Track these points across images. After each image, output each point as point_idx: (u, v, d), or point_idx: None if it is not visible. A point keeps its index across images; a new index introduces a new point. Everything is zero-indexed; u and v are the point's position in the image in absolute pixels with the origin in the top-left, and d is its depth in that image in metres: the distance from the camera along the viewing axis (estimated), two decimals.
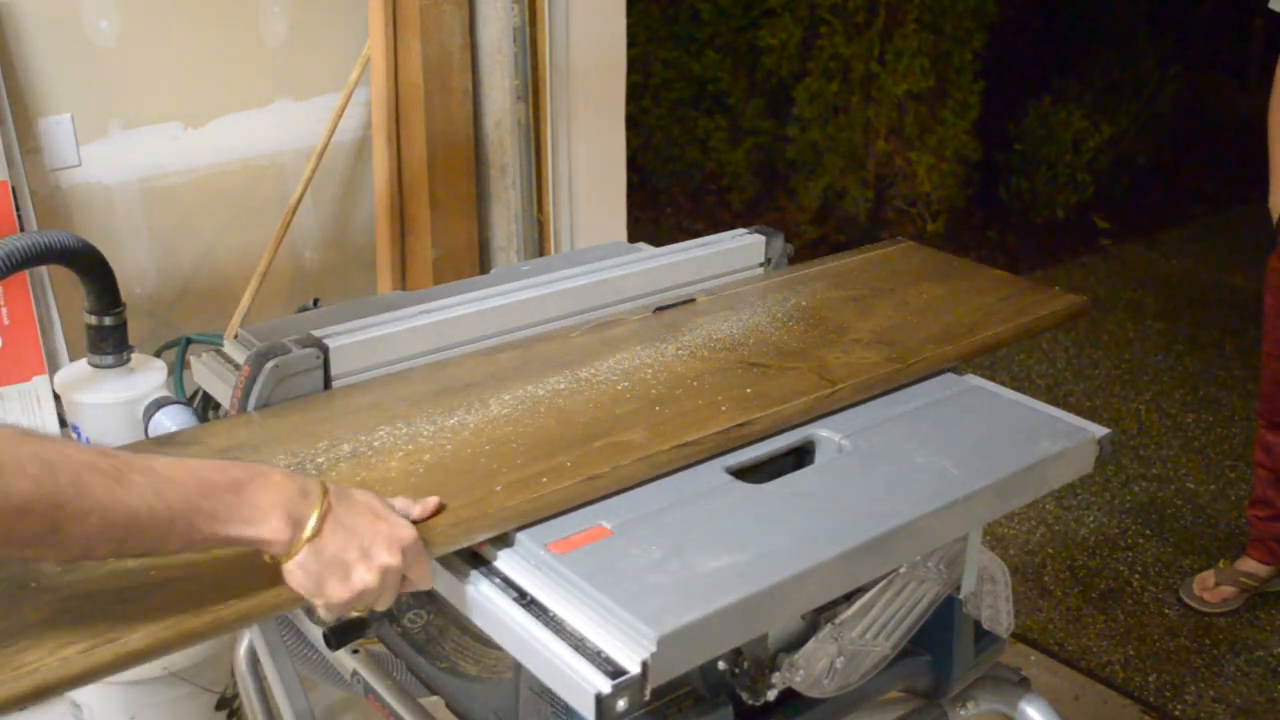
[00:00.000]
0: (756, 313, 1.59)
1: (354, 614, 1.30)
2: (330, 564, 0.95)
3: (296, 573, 0.95)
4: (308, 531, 0.94)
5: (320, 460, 1.19)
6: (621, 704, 0.92)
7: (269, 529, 0.93)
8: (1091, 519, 3.31)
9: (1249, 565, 2.86)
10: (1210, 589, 2.88)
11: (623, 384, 1.37)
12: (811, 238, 5.31)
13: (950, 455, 1.24)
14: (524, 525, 1.11)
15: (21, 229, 2.55)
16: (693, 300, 1.64)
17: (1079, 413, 1.36)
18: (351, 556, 0.96)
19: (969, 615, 1.38)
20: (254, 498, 0.93)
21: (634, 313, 1.60)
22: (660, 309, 1.60)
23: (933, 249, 1.91)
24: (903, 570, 1.23)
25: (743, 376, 1.39)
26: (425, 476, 1.16)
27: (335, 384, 1.36)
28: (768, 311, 1.60)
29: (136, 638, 0.91)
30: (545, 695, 1.14)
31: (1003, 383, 1.45)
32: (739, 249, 1.76)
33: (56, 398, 2.45)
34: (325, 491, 0.97)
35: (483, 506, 1.11)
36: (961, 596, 1.34)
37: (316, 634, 1.44)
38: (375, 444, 1.22)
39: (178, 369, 2.70)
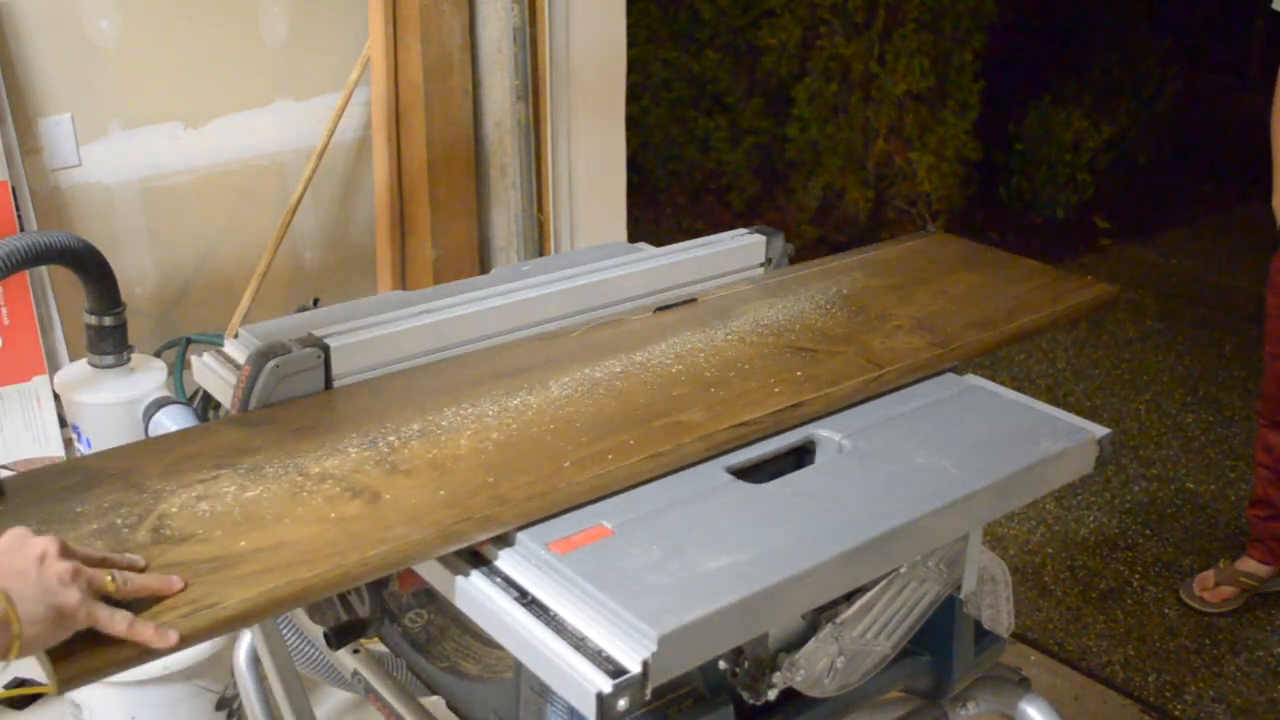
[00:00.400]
0: (800, 300, 1.64)
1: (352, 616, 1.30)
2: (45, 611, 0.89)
3: (39, 630, 0.89)
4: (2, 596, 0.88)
5: (391, 438, 1.23)
6: (622, 703, 0.92)
7: None
8: (1091, 519, 3.31)
9: (1249, 565, 2.86)
10: (1210, 589, 2.88)
11: (676, 367, 1.42)
12: (811, 238, 5.31)
13: (950, 455, 1.24)
14: (594, 500, 1.16)
15: (21, 229, 2.55)
16: (693, 300, 1.64)
17: (1079, 413, 1.36)
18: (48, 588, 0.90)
19: (969, 615, 1.38)
20: None
21: (635, 312, 1.60)
22: (660, 309, 1.60)
23: (966, 240, 1.96)
24: (903, 570, 1.23)
25: (791, 360, 1.44)
26: (494, 454, 1.21)
27: (336, 384, 1.36)
28: (810, 299, 1.65)
29: (232, 604, 0.95)
30: (546, 695, 1.14)
31: (1003, 383, 1.45)
32: (739, 249, 1.76)
33: (56, 398, 2.45)
34: None
35: (553, 482, 1.15)
36: (962, 596, 1.34)
37: (317, 634, 1.44)
38: (443, 423, 1.27)
39: (178, 369, 2.70)
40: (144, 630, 0.91)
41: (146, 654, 0.92)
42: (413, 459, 1.19)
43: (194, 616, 0.93)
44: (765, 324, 1.55)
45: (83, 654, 0.90)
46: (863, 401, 1.37)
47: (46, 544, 0.93)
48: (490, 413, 1.29)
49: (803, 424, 1.32)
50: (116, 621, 0.91)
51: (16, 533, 0.95)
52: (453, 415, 1.29)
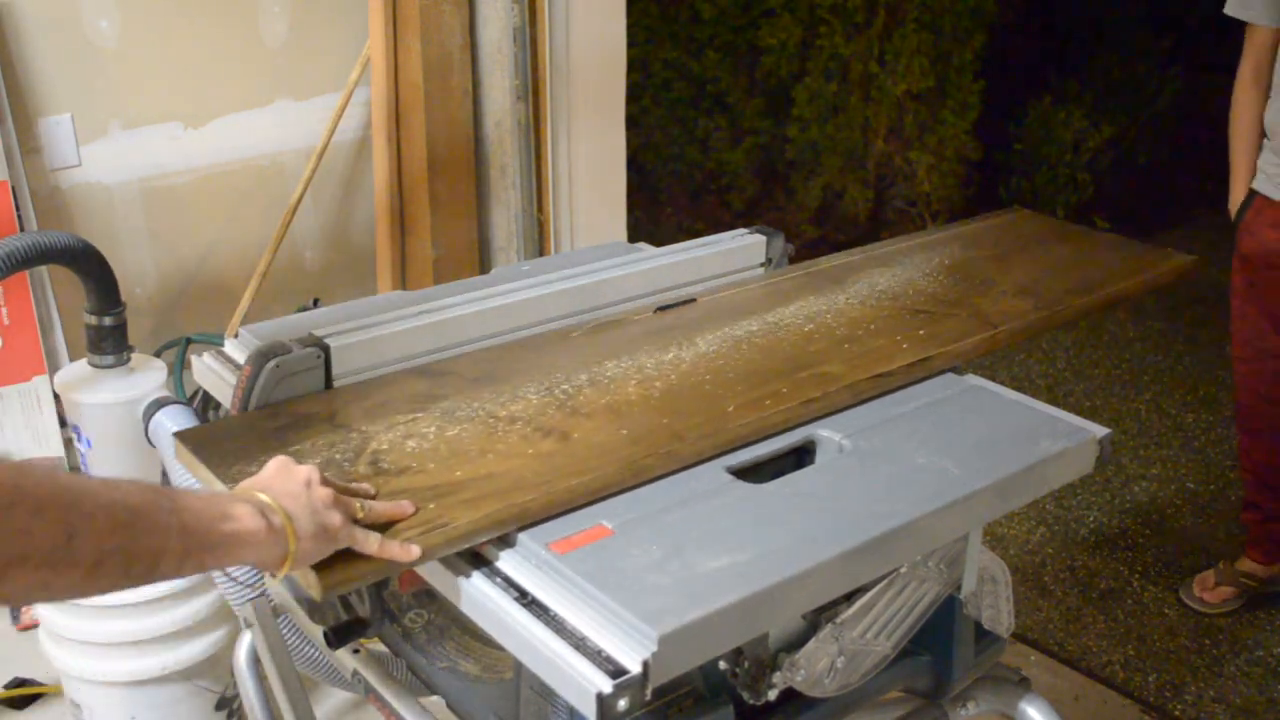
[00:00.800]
0: (908, 269, 1.76)
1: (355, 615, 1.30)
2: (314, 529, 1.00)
3: (309, 545, 1.00)
4: (280, 515, 0.99)
5: (565, 387, 1.35)
6: (623, 703, 0.92)
7: (250, 518, 0.97)
8: (1091, 519, 3.31)
9: (1248, 566, 2.86)
10: (1210, 589, 2.88)
11: (808, 326, 1.54)
12: (811, 237, 5.31)
13: (950, 455, 1.24)
14: (749, 443, 1.27)
15: (21, 229, 2.56)
16: (694, 300, 1.64)
17: (1079, 413, 1.36)
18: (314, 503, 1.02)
19: (969, 615, 1.38)
20: (232, 509, 0.97)
21: (635, 312, 1.60)
22: (661, 309, 1.60)
23: (1046, 215, 2.09)
24: (903, 570, 1.23)
25: (911, 321, 1.56)
26: (661, 400, 1.33)
27: (337, 384, 1.36)
28: (917, 268, 1.76)
29: (460, 524, 1.07)
30: (546, 695, 1.14)
31: (1003, 383, 1.45)
32: (739, 249, 1.76)
33: (56, 398, 2.46)
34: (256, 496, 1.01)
35: (721, 423, 1.27)
36: (962, 596, 1.34)
37: (317, 634, 1.44)
38: (607, 374, 1.39)
39: (178, 369, 2.70)
40: (392, 548, 1.04)
41: (391, 567, 1.04)
42: (589, 404, 1.31)
43: (428, 535, 1.05)
44: (880, 289, 1.68)
45: (339, 567, 1.02)
46: (863, 402, 1.37)
47: (310, 471, 1.05)
48: (648, 365, 1.42)
49: (807, 422, 1.32)
50: (370, 541, 1.03)
51: (282, 460, 1.07)
52: (614, 367, 1.41)
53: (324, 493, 1.03)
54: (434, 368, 1.42)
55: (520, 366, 1.41)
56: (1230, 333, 2.70)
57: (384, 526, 1.06)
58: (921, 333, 1.51)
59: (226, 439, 1.22)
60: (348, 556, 1.03)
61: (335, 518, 1.02)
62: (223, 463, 1.15)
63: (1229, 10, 2.53)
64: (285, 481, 1.03)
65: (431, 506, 1.09)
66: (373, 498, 1.10)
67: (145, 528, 0.89)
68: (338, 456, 1.18)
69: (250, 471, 1.09)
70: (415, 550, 1.04)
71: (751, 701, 1.17)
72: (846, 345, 1.47)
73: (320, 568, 1.01)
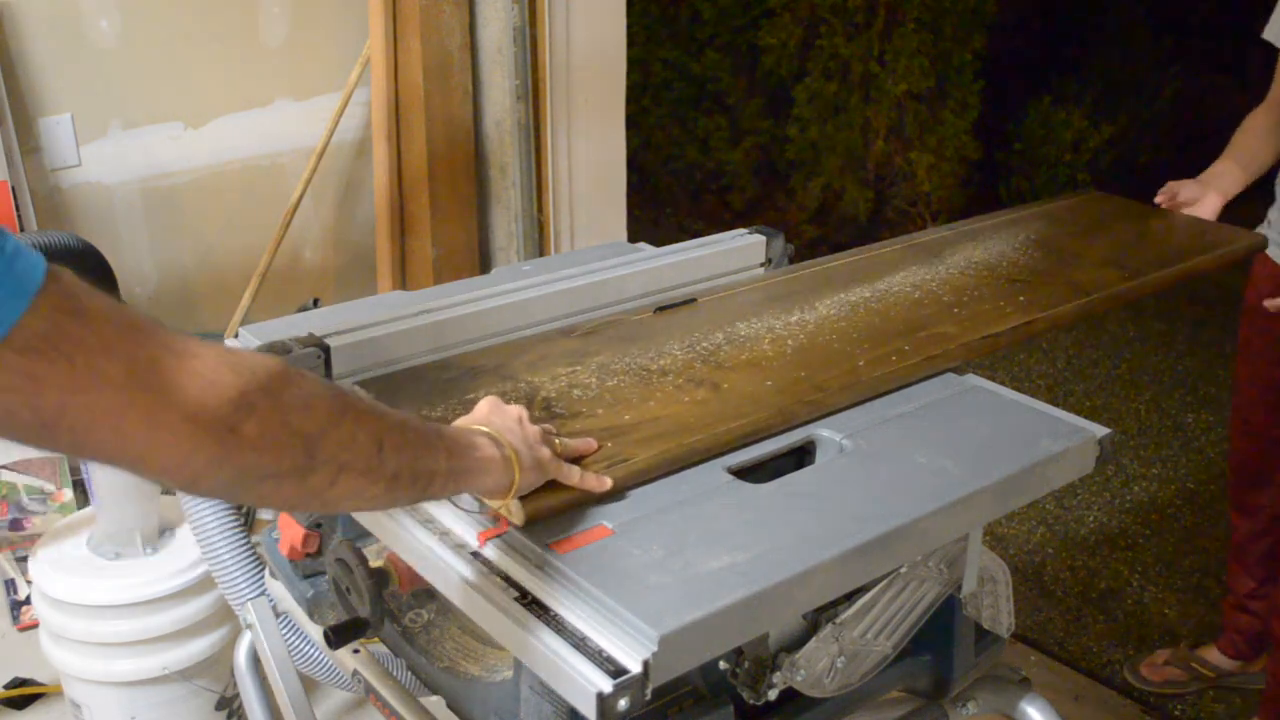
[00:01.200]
0: (998, 243, 1.86)
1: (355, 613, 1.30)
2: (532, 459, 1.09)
3: (528, 475, 1.08)
4: (507, 448, 1.06)
5: (704, 345, 1.46)
6: (623, 703, 0.92)
7: (489, 448, 1.05)
8: (1091, 519, 3.31)
9: (1213, 655, 2.62)
10: (1158, 668, 2.65)
11: (917, 294, 1.65)
12: (811, 237, 5.31)
13: (950, 455, 1.24)
14: (882, 393, 1.37)
15: (21, 229, 2.56)
16: (694, 300, 1.64)
17: (1079, 413, 1.36)
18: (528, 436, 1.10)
19: (969, 615, 1.38)
20: (474, 439, 1.05)
21: (636, 311, 1.60)
22: (661, 309, 1.60)
23: (1117, 196, 2.18)
24: (903, 570, 1.23)
25: (1009, 289, 1.66)
26: (793, 356, 1.43)
27: (337, 383, 1.36)
28: (1006, 243, 1.87)
29: (640, 459, 1.17)
30: (546, 695, 1.14)
31: (1003, 383, 1.45)
32: (739, 249, 1.76)
33: None
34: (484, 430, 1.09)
35: (855, 376, 1.38)
36: (962, 596, 1.34)
37: (317, 634, 1.44)
38: (741, 334, 1.49)
39: None
40: (590, 479, 1.13)
41: (585, 498, 1.13)
42: (731, 359, 1.42)
43: (614, 469, 1.15)
44: (976, 261, 1.78)
45: (537, 497, 1.10)
46: (863, 402, 1.37)
47: (520, 410, 1.12)
48: (777, 326, 1.52)
49: (806, 423, 1.32)
50: (572, 474, 1.12)
51: (493, 399, 1.14)
52: (745, 328, 1.52)
53: (534, 429, 1.11)
54: (580, 328, 1.53)
55: (659, 328, 1.52)
56: (1234, 402, 2.48)
57: (574, 462, 1.15)
58: (1021, 299, 1.62)
59: (407, 387, 1.34)
60: (546, 488, 1.11)
61: (545, 452, 1.10)
62: (411, 407, 1.26)
63: (1268, 35, 2.34)
64: (502, 418, 1.10)
65: (609, 445, 1.20)
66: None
67: (426, 448, 0.97)
68: (514, 401, 1.27)
69: (435, 416, 1.20)
70: (608, 481, 1.14)
71: (751, 701, 1.17)
72: (955, 310, 1.59)
73: (523, 498, 1.09)
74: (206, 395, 0.75)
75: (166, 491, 2.04)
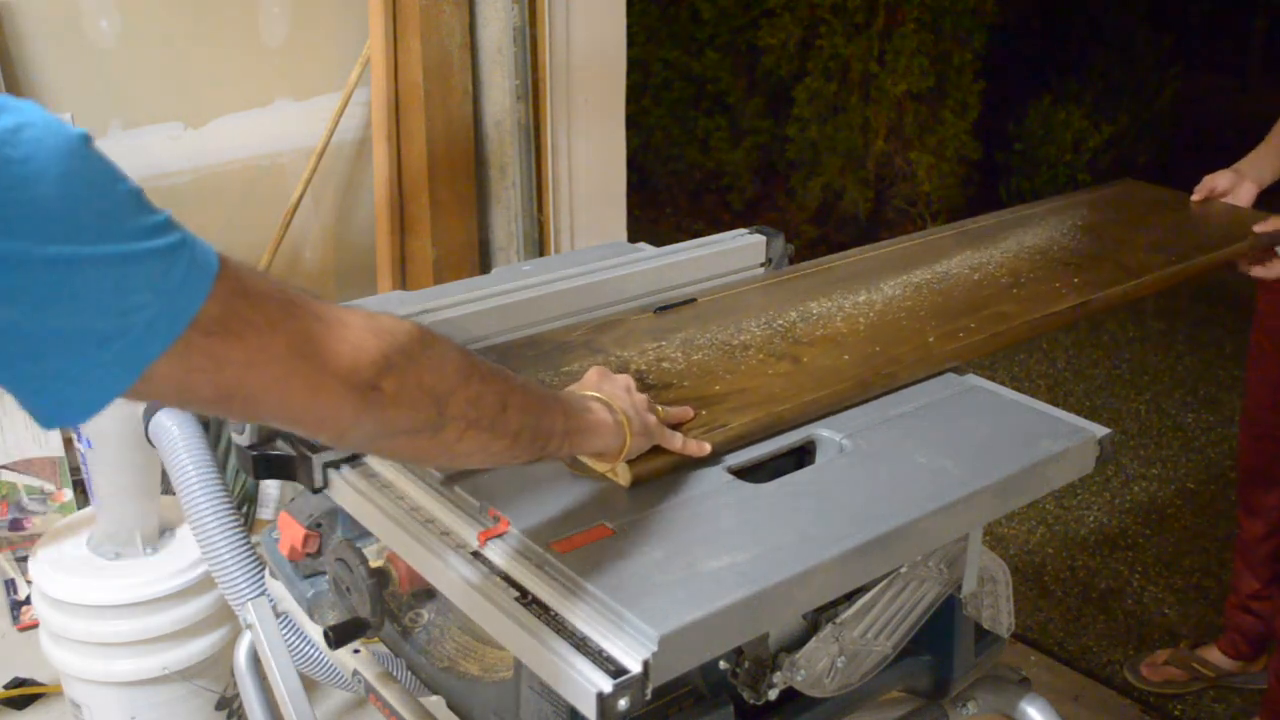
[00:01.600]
0: (1047, 229, 1.94)
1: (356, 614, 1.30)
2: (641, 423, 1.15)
3: (638, 440, 1.14)
4: (619, 412, 1.13)
5: (780, 323, 1.53)
6: (623, 703, 0.92)
7: (602, 412, 1.12)
8: (1091, 519, 3.31)
9: (1213, 655, 2.61)
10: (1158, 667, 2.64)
11: (976, 275, 1.72)
12: (811, 237, 5.32)
13: (950, 455, 1.24)
14: (953, 368, 1.45)
15: None
16: (693, 300, 1.64)
17: (1079, 413, 1.36)
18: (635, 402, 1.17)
19: (969, 615, 1.38)
20: (588, 402, 1.11)
21: (636, 312, 1.59)
22: (661, 309, 1.60)
23: (1155, 185, 2.27)
24: (903, 570, 1.23)
25: (1063, 271, 1.74)
26: (866, 333, 1.50)
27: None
28: (1055, 228, 1.94)
29: (734, 426, 1.24)
30: (546, 695, 1.14)
31: (1003, 383, 1.45)
32: (739, 249, 1.76)
33: None
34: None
35: (927, 350, 1.45)
36: (962, 596, 1.34)
37: (317, 634, 1.44)
38: (814, 313, 1.57)
39: None
40: (690, 445, 1.19)
41: (685, 461, 1.20)
42: (807, 336, 1.49)
43: (711, 433, 1.22)
44: (1028, 245, 1.86)
45: (643, 461, 1.17)
46: (863, 402, 1.37)
47: (627, 379, 1.19)
48: (846, 305, 1.60)
49: (807, 423, 1.32)
50: (675, 439, 1.19)
51: (601, 369, 1.21)
52: (817, 307, 1.59)
53: (641, 396, 1.17)
54: (657, 312, 1.60)
55: (735, 307, 1.59)
56: (1244, 406, 2.48)
57: (674, 429, 1.21)
58: (1076, 280, 1.69)
59: (504, 362, 1.38)
60: (650, 453, 1.17)
61: (652, 418, 1.16)
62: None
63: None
64: (612, 386, 1.16)
65: (704, 413, 1.26)
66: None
67: (546, 408, 1.03)
68: None
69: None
70: (707, 447, 1.20)
71: (751, 701, 1.17)
72: (1014, 290, 1.66)
73: (630, 462, 1.15)
74: (355, 359, 0.83)
75: (166, 491, 2.04)
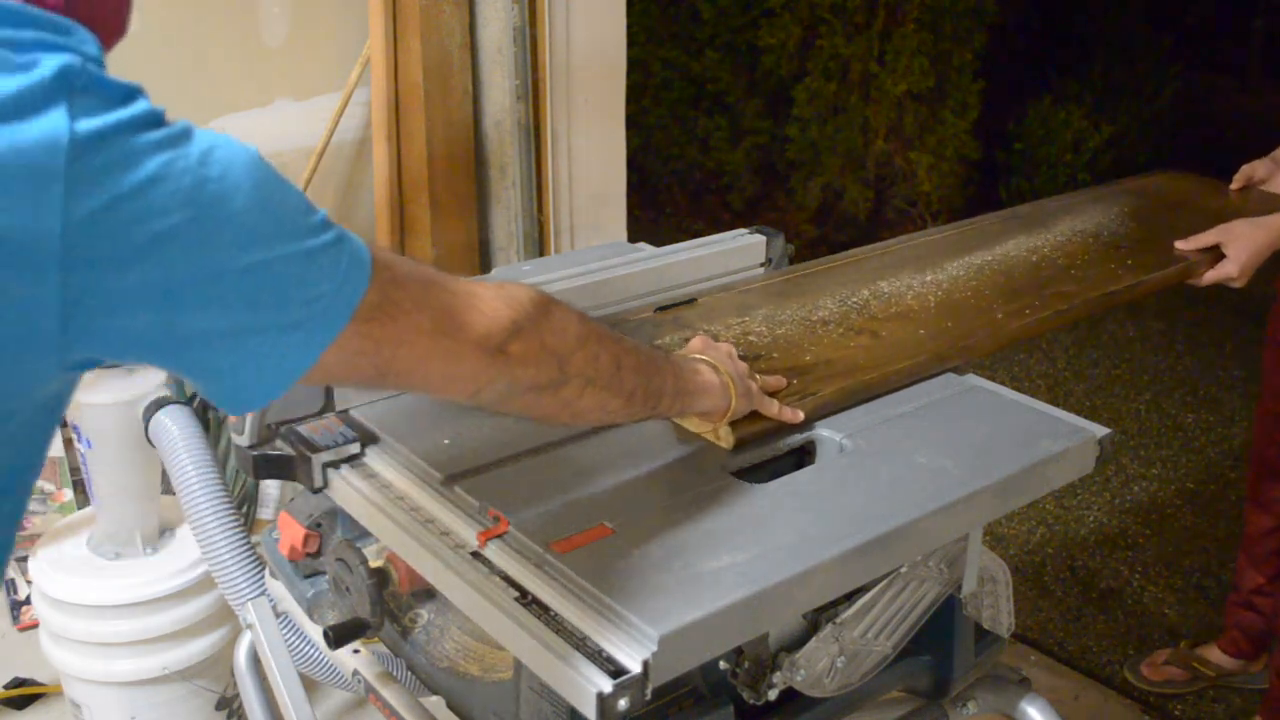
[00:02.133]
0: (1095, 215, 2.03)
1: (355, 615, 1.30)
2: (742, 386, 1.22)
3: (741, 402, 1.22)
4: (725, 375, 1.20)
5: (853, 300, 1.62)
6: (623, 703, 0.92)
7: (709, 374, 1.19)
8: (1091, 519, 3.31)
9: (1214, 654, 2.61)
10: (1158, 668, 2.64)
11: (1034, 258, 1.81)
12: (811, 237, 5.31)
13: (950, 455, 1.24)
14: (1019, 342, 1.61)
15: None
16: (693, 300, 1.64)
17: (1079, 413, 1.36)
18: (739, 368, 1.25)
19: (969, 615, 1.38)
20: (695, 364, 1.19)
21: (636, 313, 1.60)
22: (660, 309, 1.60)
23: (1193, 175, 2.35)
24: (903, 570, 1.23)
25: (1114, 255, 1.83)
26: (936, 310, 1.59)
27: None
28: (1103, 214, 2.03)
29: (825, 393, 1.33)
30: (546, 695, 1.14)
31: (1003, 383, 1.45)
32: (739, 249, 1.76)
33: None
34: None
35: (998, 326, 1.54)
36: (962, 596, 1.34)
37: (317, 634, 1.44)
38: (884, 291, 1.65)
39: None
40: (786, 411, 1.27)
41: (781, 427, 1.28)
42: (882, 312, 1.58)
43: (804, 401, 1.30)
44: (1080, 230, 1.95)
45: (742, 425, 1.24)
46: (863, 402, 1.37)
47: (729, 346, 1.27)
48: (914, 285, 1.67)
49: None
50: (772, 405, 1.27)
51: (704, 337, 1.28)
52: (886, 286, 1.66)
53: (743, 365, 1.25)
54: (738, 286, 1.69)
55: (807, 288, 1.66)
56: (1263, 389, 2.43)
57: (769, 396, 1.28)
58: (1129, 262, 1.78)
59: None
60: (748, 418, 1.24)
61: (753, 385, 1.24)
62: None
63: None
64: (715, 352, 1.23)
65: (794, 382, 1.34)
66: None
67: (656, 369, 1.10)
68: None
69: None
70: (800, 414, 1.28)
71: (751, 701, 1.17)
72: (1071, 271, 1.74)
73: (733, 424, 1.22)
74: (489, 326, 0.91)
75: (166, 490, 2.04)
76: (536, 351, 0.95)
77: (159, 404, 1.64)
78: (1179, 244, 1.91)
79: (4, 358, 0.70)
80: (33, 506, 2.60)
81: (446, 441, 1.26)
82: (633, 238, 2.14)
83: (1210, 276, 1.85)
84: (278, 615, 1.57)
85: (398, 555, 1.22)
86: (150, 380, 1.95)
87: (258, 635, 1.57)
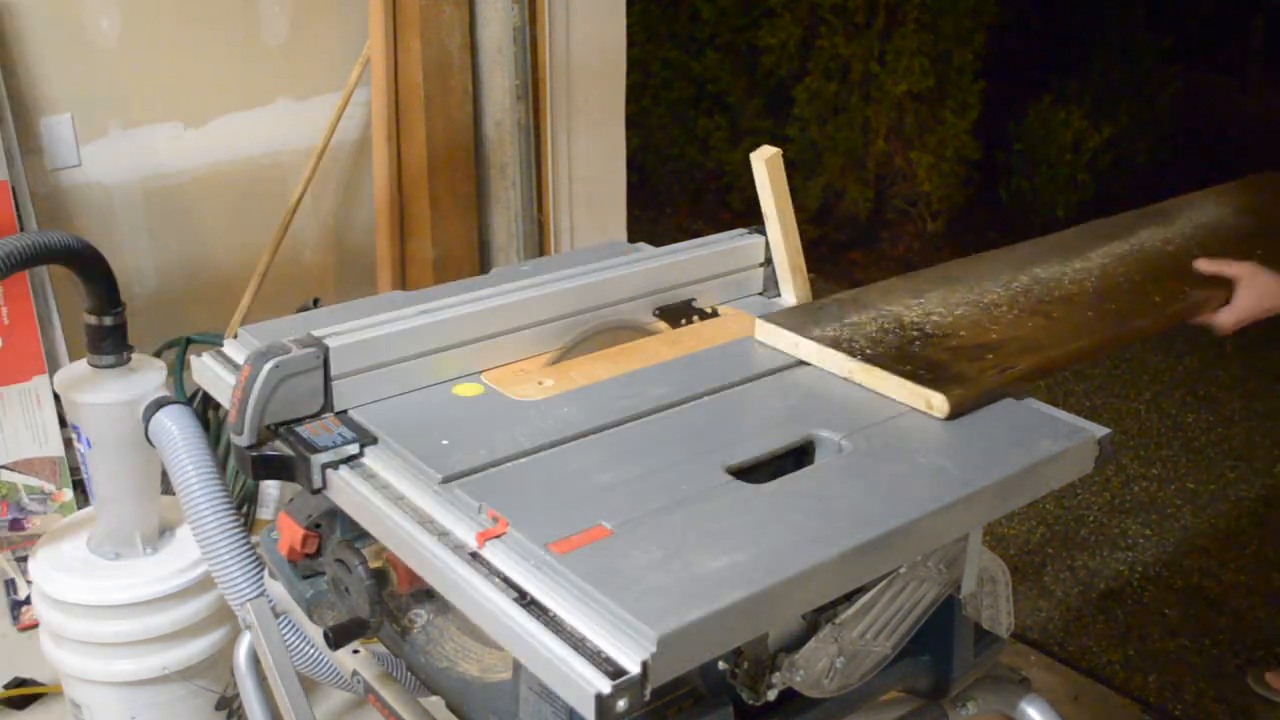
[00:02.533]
0: (1210, 210, 2.12)
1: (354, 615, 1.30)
2: None
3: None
4: None
5: (1014, 285, 1.67)
6: (622, 704, 0.92)
7: None
8: (1091, 519, 3.31)
9: None
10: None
11: (1169, 248, 1.90)
12: (811, 237, 5.31)
13: (950, 455, 1.24)
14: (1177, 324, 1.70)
15: (21, 229, 2.55)
16: (693, 300, 1.63)
17: (1079, 413, 1.36)
18: None
19: (969, 615, 1.38)
20: None
21: (633, 312, 1.59)
22: (660, 309, 1.60)
23: None
24: (903, 570, 1.23)
25: (1243, 245, 1.88)
26: (1095, 293, 1.67)
27: (334, 384, 1.35)
28: (1219, 210, 2.12)
29: (1021, 366, 1.39)
30: (545, 695, 1.14)
31: None
32: (739, 249, 1.76)
33: (56, 398, 2.45)
34: None
35: (1157, 310, 1.63)
36: (961, 597, 1.34)
37: (317, 634, 1.44)
38: (1041, 276, 1.71)
39: (178, 369, 2.70)
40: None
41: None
42: (1046, 295, 1.64)
43: (1005, 375, 1.37)
44: (1201, 224, 2.03)
45: (958, 389, 1.31)
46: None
47: None
48: (1067, 272, 1.74)
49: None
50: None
51: None
52: (1040, 273, 1.72)
53: None
54: (867, 292, 1.71)
55: (965, 274, 1.70)
56: None
57: (974, 365, 1.36)
58: (1259, 252, 1.84)
59: (797, 317, 1.55)
60: (963, 385, 1.32)
61: None
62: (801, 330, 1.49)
63: None
64: None
65: (990, 357, 1.40)
66: None
67: None
68: (887, 325, 1.49)
69: (814, 335, 1.45)
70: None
71: (751, 702, 1.17)
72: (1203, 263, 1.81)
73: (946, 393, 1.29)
74: None
75: (166, 490, 2.04)
76: None
77: (159, 404, 1.64)
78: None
79: None
80: (33, 506, 2.61)
81: (445, 442, 1.26)
82: (633, 238, 2.14)
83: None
84: (278, 615, 1.57)
85: (396, 556, 1.22)
86: (150, 380, 1.95)
87: (257, 635, 1.57)
